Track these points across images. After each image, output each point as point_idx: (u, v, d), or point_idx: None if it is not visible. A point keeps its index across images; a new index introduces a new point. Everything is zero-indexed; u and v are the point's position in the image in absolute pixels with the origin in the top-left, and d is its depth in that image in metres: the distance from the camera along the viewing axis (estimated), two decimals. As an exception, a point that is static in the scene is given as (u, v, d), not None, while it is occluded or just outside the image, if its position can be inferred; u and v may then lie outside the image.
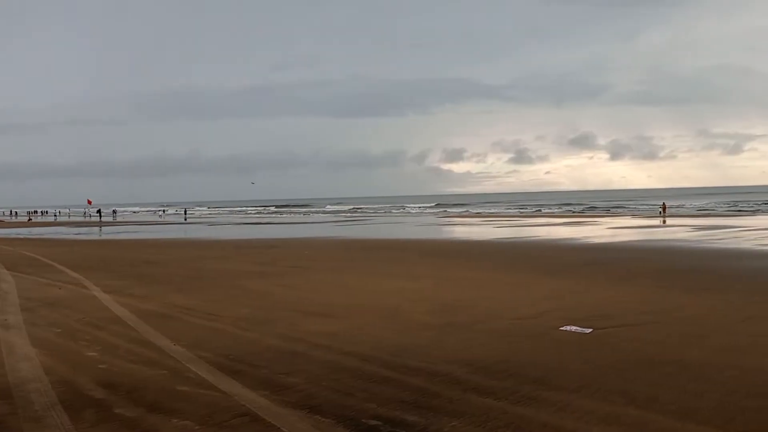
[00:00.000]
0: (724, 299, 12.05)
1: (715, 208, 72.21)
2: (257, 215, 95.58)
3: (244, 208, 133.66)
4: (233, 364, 7.93)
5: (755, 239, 26.49)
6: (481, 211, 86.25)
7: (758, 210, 64.77)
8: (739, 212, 61.12)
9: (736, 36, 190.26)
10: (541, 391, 6.60)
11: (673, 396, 6.39)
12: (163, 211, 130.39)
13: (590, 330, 9.41)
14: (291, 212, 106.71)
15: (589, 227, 39.48)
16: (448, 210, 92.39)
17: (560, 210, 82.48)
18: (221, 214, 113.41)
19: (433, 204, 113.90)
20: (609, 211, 72.76)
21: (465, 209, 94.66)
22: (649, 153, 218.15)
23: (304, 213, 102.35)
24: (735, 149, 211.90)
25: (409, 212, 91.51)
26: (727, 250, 22.11)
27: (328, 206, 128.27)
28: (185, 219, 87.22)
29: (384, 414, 5.96)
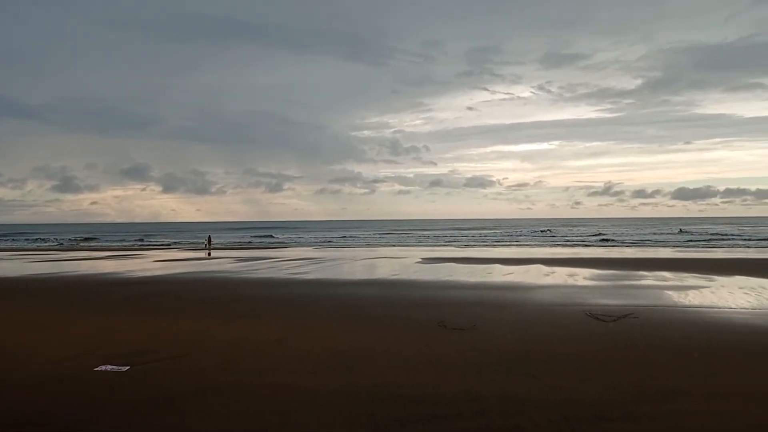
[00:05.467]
0: (261, 325, 13.02)
1: (252, 241, 78.95)
2: None
3: None
4: None
5: (287, 269, 29.72)
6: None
7: (290, 244, 73.31)
8: (270, 245, 68.13)
9: (274, 87, 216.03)
10: (67, 442, 5.93)
11: (209, 424, 6.48)
12: None
13: (127, 368, 8.99)
14: None
15: (136, 261, 38.50)
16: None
17: (109, 243, 78.65)
18: None
19: None
20: (163, 244, 72.57)
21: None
22: (201, 187, 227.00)
23: None
24: (276, 188, 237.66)
25: None
26: (264, 279, 24.19)
27: None
28: None
29: None
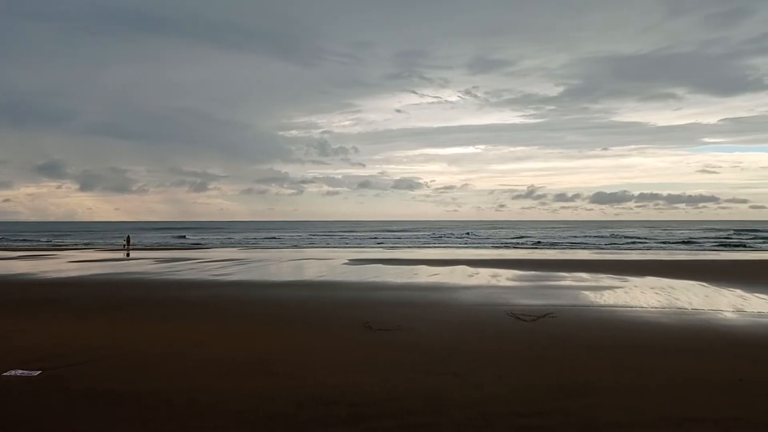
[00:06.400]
0: (180, 327, 12.71)
1: (173, 242, 76.79)
2: None
3: None
4: None
5: (210, 270, 29.11)
6: None
7: (214, 245, 71.84)
8: (197, 245, 66.55)
9: (199, 83, 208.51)
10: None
11: (124, 430, 6.29)
12: None
13: (39, 372, 8.59)
14: None
15: (50, 261, 36.74)
16: None
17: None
18: None
19: None
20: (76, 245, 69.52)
21: None
22: (122, 186, 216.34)
23: None
24: (201, 187, 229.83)
25: None
26: (186, 281, 23.60)
27: None
28: None
29: None
